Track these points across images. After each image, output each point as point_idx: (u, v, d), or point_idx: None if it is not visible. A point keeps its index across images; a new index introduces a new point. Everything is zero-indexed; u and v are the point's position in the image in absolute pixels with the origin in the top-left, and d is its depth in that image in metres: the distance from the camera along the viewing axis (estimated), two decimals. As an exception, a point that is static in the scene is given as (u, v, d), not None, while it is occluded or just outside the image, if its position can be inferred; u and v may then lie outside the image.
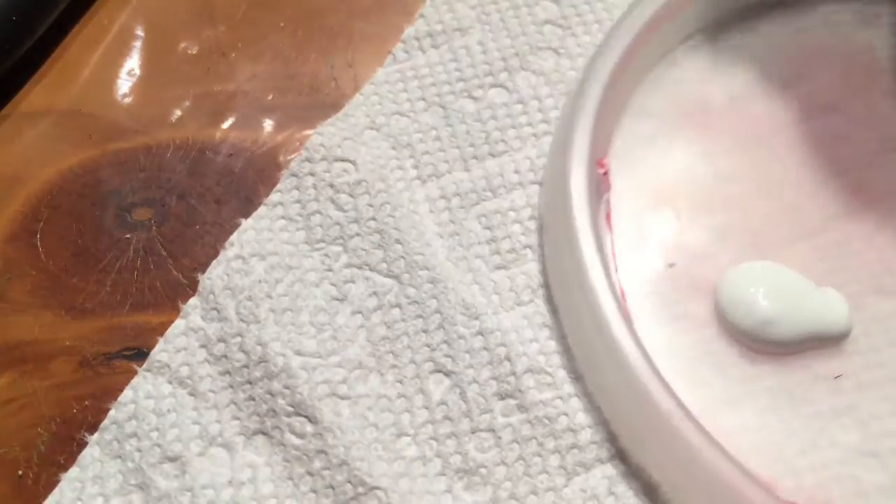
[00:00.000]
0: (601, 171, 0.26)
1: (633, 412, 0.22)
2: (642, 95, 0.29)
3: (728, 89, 0.29)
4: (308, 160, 0.28)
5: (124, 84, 0.31)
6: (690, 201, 0.27)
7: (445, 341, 0.25)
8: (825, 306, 0.25)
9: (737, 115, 0.29)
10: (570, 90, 0.29)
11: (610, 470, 0.23)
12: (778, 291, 0.25)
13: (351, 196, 0.27)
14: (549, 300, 0.26)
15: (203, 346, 0.25)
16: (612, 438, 0.23)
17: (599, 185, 0.26)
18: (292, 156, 0.29)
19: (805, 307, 0.25)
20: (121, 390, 0.25)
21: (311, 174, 0.27)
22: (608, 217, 0.26)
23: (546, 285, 0.25)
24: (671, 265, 0.26)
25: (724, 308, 0.25)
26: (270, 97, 0.30)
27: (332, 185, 0.27)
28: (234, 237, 0.26)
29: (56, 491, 0.23)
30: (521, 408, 0.24)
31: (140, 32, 0.32)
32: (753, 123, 0.28)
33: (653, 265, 0.26)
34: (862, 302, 0.25)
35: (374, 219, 0.27)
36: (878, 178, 0.27)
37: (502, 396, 0.24)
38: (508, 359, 0.24)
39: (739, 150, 0.28)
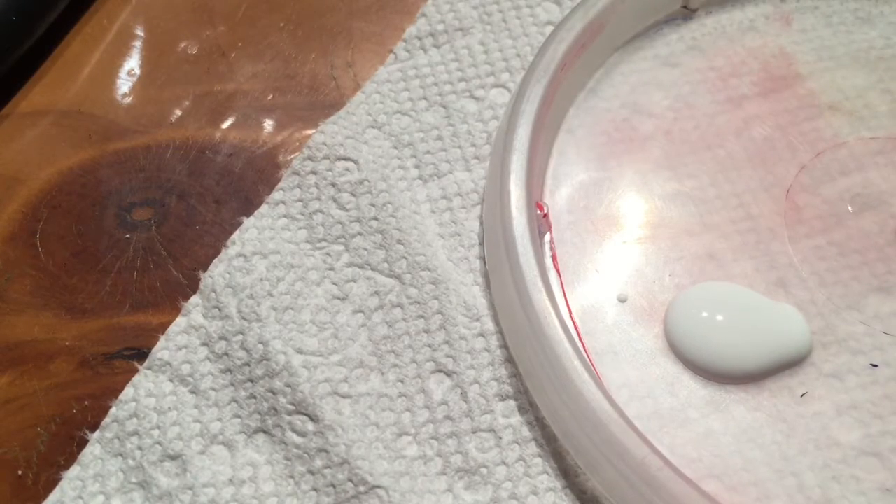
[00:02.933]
0: (541, 213, 0.26)
1: (606, 464, 0.22)
2: (570, 127, 0.29)
3: (655, 106, 0.30)
4: (310, 158, 0.28)
5: (124, 84, 0.31)
6: (634, 228, 0.27)
7: (447, 342, 0.25)
8: (783, 328, 0.25)
9: (664, 134, 0.29)
10: (497, 131, 0.29)
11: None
12: (729, 319, 0.25)
13: (353, 195, 0.28)
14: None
15: (204, 344, 0.25)
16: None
17: (541, 227, 0.26)
18: (292, 155, 0.29)
19: (761, 332, 0.25)
20: (121, 390, 0.25)
21: (314, 173, 0.28)
22: (554, 259, 0.26)
23: (501, 332, 0.25)
24: (623, 300, 0.26)
25: (676, 344, 0.25)
26: (270, 97, 0.31)
27: (334, 184, 0.28)
28: (235, 235, 0.27)
29: (57, 489, 0.24)
30: (522, 409, 0.24)
31: (140, 32, 0.32)
32: (685, 140, 0.29)
33: (606, 300, 0.26)
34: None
35: (375, 218, 0.27)
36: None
37: (503, 397, 0.24)
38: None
39: (676, 169, 0.28)
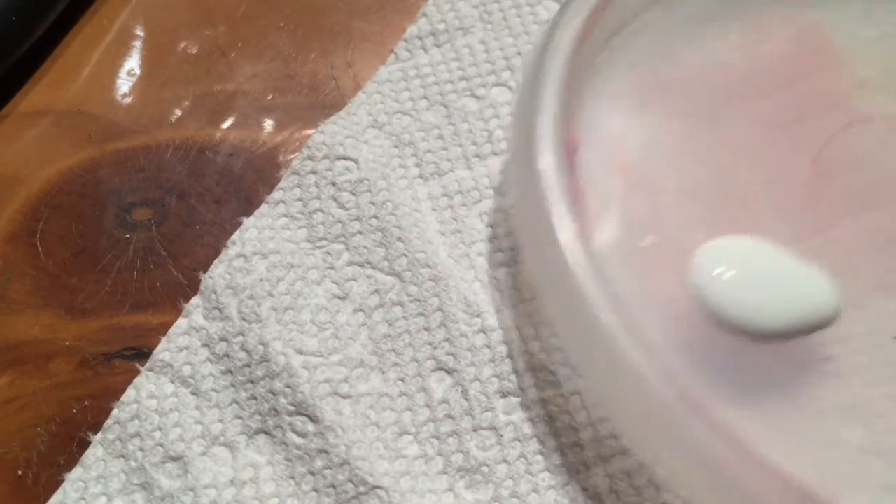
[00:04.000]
0: (571, 148, 0.25)
1: (637, 411, 0.22)
2: (601, 72, 0.28)
3: (688, 61, 0.29)
4: (310, 158, 0.28)
5: (124, 84, 0.31)
6: (663, 178, 0.27)
7: (447, 339, 0.25)
8: (810, 289, 0.24)
9: (699, 88, 0.29)
10: (528, 57, 0.28)
11: (612, 468, 0.24)
12: (754, 274, 0.24)
13: (353, 194, 0.28)
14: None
15: (205, 346, 0.26)
16: (613, 436, 0.24)
17: (569, 164, 0.25)
18: (292, 155, 0.29)
19: (788, 290, 0.24)
20: (121, 390, 0.25)
21: (314, 172, 0.28)
22: (581, 196, 0.25)
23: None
24: (651, 245, 0.26)
25: (700, 295, 0.24)
26: (270, 97, 0.31)
27: (334, 184, 0.28)
28: (235, 236, 0.27)
29: (59, 491, 0.24)
30: (524, 406, 0.25)
31: (140, 32, 0.32)
32: (718, 96, 0.29)
33: (630, 247, 0.26)
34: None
35: (375, 217, 0.27)
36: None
37: (504, 394, 0.25)
38: (510, 357, 0.25)
39: (708, 125, 0.28)
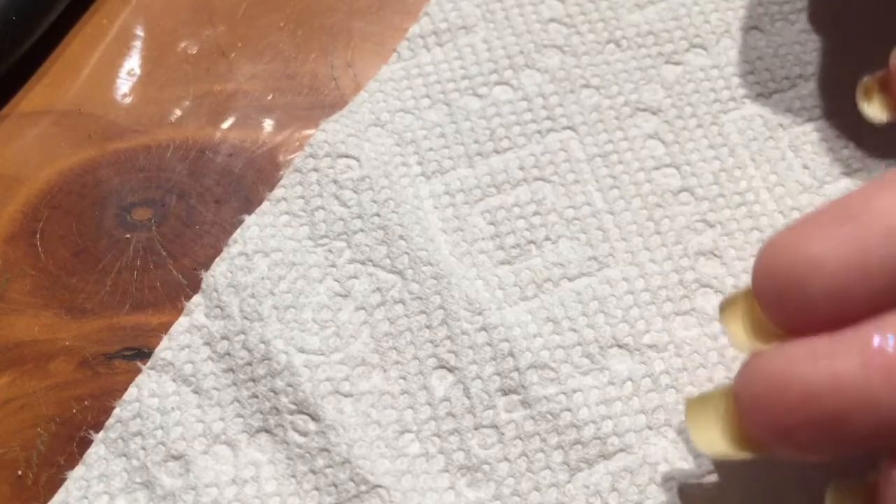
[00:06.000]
0: None
1: None
2: None
3: None
4: (312, 156, 0.29)
5: (124, 84, 0.32)
6: None
7: (449, 337, 0.26)
8: None
9: None
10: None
11: (613, 466, 0.24)
12: None
13: (355, 192, 0.28)
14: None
15: (207, 344, 0.26)
16: (616, 434, 0.25)
17: None
18: (292, 155, 0.30)
19: None
20: (121, 390, 0.26)
21: (315, 170, 0.29)
22: None
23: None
24: None
25: None
26: (270, 97, 0.32)
27: (335, 182, 0.29)
28: (237, 234, 0.28)
29: (62, 489, 0.24)
30: (525, 403, 0.25)
31: (140, 32, 0.33)
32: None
33: None
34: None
35: (377, 215, 0.28)
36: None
37: (506, 392, 0.25)
38: (512, 354, 0.26)
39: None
